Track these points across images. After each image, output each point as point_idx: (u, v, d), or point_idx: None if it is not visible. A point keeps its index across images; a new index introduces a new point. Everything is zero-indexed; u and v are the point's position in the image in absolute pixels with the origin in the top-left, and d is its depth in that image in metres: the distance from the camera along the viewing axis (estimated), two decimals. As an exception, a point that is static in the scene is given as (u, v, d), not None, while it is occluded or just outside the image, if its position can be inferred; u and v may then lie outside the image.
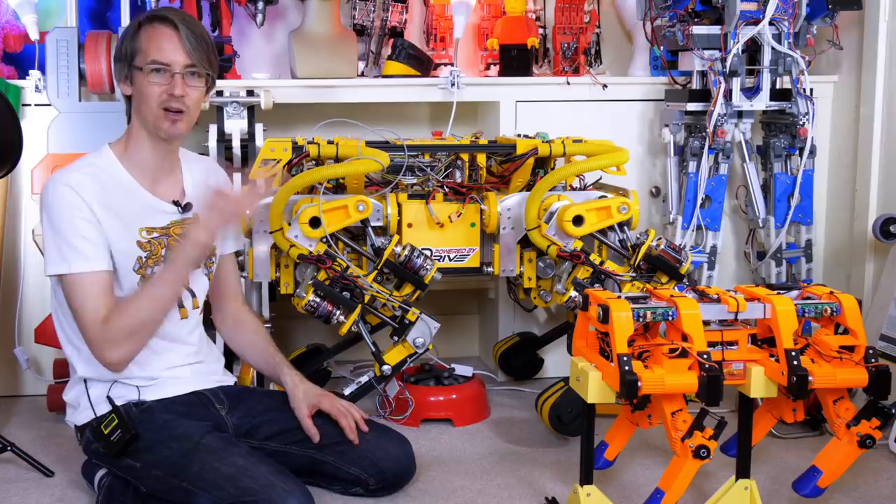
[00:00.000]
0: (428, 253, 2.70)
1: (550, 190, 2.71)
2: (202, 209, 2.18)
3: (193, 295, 2.30)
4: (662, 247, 2.68)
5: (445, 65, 3.32)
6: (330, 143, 2.66)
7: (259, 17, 3.12)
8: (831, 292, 2.07)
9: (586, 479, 2.06)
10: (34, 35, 2.88)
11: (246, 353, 2.45)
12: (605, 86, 3.22)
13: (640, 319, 1.96)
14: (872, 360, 1.99)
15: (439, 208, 2.74)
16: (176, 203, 2.25)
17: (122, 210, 2.16)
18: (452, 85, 3.08)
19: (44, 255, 2.15)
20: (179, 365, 2.27)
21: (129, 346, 2.14)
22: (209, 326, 2.44)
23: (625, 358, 1.90)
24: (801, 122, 2.95)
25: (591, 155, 2.75)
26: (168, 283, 2.14)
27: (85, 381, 2.21)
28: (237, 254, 2.50)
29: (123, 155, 2.21)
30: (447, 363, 3.00)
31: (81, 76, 2.86)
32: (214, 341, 2.48)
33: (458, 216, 2.75)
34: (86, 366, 2.20)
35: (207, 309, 2.42)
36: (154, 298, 2.14)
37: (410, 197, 2.75)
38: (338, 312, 2.54)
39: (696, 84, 3.04)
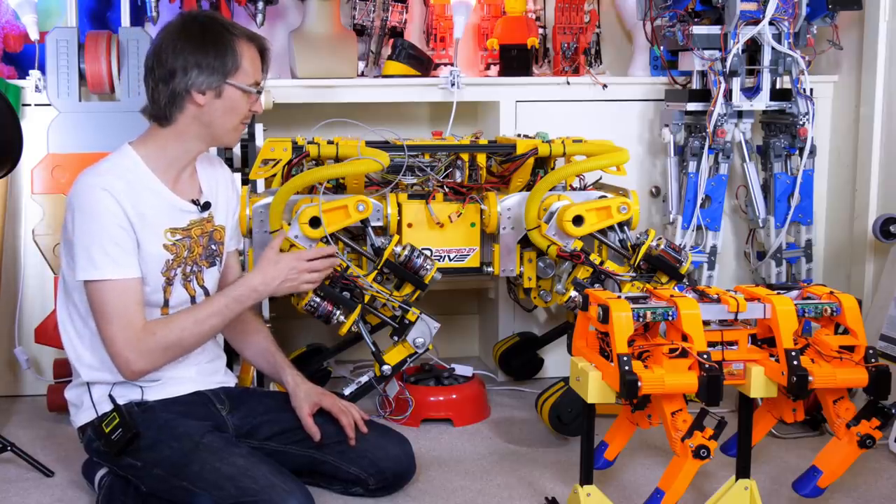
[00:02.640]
0: (428, 253, 2.70)
1: (550, 190, 2.71)
2: (274, 262, 2.30)
3: (207, 293, 2.30)
4: (662, 247, 2.68)
5: (445, 65, 3.32)
6: (330, 143, 2.65)
7: (259, 17, 3.12)
8: (831, 292, 2.07)
9: (586, 479, 2.06)
10: (34, 35, 2.87)
11: (247, 352, 2.45)
12: (605, 86, 3.22)
13: (640, 319, 1.95)
14: (872, 360, 1.98)
15: (439, 208, 2.74)
16: (195, 202, 2.26)
17: (149, 212, 2.16)
18: (452, 85, 3.08)
19: (57, 259, 2.15)
20: (185, 365, 2.27)
21: (161, 360, 2.16)
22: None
23: (625, 358, 1.89)
24: (801, 122, 2.95)
25: (591, 155, 2.75)
26: (216, 314, 2.20)
27: (87, 384, 2.21)
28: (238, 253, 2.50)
29: (148, 155, 2.20)
30: (447, 363, 3.00)
31: (81, 76, 2.86)
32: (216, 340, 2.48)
33: (458, 216, 2.74)
34: (88, 370, 2.20)
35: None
36: (199, 322, 2.17)
37: (410, 197, 2.74)
38: (338, 312, 2.53)
39: (696, 84, 3.04)
